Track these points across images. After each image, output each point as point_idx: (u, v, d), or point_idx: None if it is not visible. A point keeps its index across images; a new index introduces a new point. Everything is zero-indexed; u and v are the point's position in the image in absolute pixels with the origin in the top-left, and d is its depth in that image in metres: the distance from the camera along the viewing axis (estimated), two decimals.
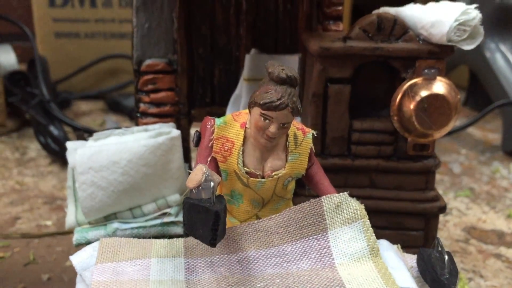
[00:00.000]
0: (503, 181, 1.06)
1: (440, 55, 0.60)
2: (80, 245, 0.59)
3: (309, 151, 0.52)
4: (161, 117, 0.69)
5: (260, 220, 0.50)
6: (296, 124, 0.52)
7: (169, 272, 0.48)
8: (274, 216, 0.50)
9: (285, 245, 0.49)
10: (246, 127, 0.50)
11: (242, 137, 0.50)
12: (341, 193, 0.50)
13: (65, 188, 0.95)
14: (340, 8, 0.70)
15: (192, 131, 0.61)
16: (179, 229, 0.62)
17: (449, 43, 0.58)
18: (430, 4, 0.63)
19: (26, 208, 0.89)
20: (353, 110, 0.63)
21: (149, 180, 0.62)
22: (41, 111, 1.17)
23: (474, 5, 0.58)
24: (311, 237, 0.49)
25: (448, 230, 0.85)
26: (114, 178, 0.59)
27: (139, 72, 0.68)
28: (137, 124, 0.69)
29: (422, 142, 0.62)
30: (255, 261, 0.49)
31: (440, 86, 0.60)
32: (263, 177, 0.50)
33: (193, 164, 0.71)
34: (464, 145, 1.29)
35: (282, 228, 0.49)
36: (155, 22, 0.67)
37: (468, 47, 0.59)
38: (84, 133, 1.08)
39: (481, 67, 1.36)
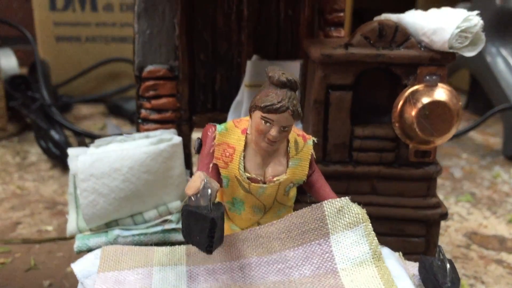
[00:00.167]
0: (504, 186, 1.06)
1: (442, 62, 0.60)
2: (81, 252, 0.59)
3: (310, 158, 0.52)
4: (163, 123, 0.69)
5: (262, 226, 0.50)
6: (297, 131, 0.52)
7: (171, 281, 0.48)
8: (275, 221, 0.50)
9: (287, 250, 0.49)
10: (247, 133, 0.51)
11: (243, 143, 0.50)
12: (342, 198, 0.50)
13: (66, 193, 0.95)
14: (341, 14, 0.70)
15: (194, 137, 0.61)
16: (180, 236, 0.62)
17: (451, 50, 0.58)
18: (432, 10, 0.63)
19: (27, 213, 0.89)
20: (355, 117, 0.63)
21: (150, 187, 0.62)
22: (42, 115, 1.17)
23: (476, 12, 0.58)
24: (313, 242, 0.49)
25: (449, 236, 0.85)
26: (116, 185, 0.59)
27: (141, 78, 0.68)
28: (138, 130, 0.69)
29: (424, 148, 0.62)
30: (257, 268, 0.49)
31: (441, 93, 0.60)
32: (264, 183, 0.50)
33: (194, 171, 0.71)
34: (465, 149, 1.29)
35: (284, 234, 0.49)
36: (156, 28, 0.67)
37: (469, 53, 0.59)
38: (85, 139, 1.08)
39: (482, 71, 1.36)
